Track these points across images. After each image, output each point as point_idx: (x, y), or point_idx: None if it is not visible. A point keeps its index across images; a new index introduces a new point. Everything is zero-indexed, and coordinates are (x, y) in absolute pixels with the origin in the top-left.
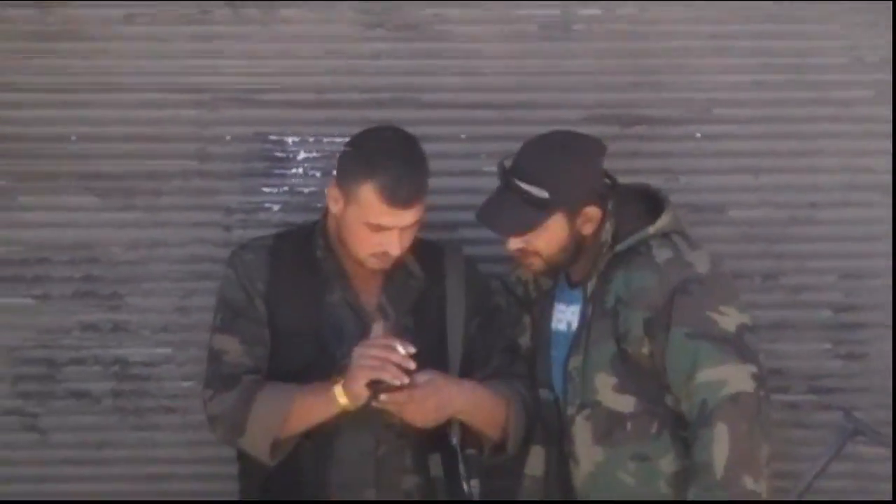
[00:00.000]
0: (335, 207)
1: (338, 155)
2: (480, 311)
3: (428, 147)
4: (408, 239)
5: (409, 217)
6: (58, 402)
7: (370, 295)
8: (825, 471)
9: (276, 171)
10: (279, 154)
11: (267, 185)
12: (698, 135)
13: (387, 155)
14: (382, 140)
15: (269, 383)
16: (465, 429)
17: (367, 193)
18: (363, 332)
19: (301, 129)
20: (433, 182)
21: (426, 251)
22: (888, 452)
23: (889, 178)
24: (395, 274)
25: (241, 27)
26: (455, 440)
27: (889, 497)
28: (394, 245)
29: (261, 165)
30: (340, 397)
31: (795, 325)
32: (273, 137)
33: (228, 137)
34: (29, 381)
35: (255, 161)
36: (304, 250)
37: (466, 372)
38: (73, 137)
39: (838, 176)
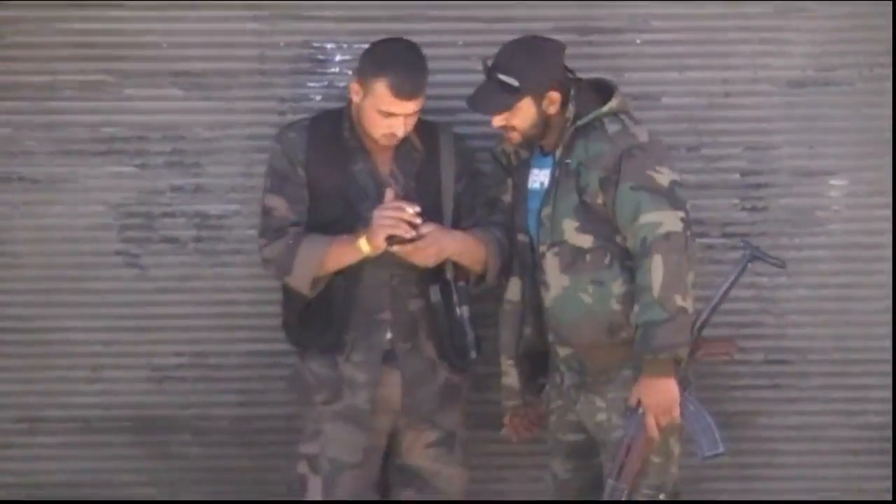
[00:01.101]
0: (356, 98)
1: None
2: (466, 174)
3: (434, 51)
4: (411, 123)
5: (412, 106)
6: (154, 246)
7: (384, 164)
8: (729, 292)
9: (318, 70)
10: (320, 57)
11: (311, 81)
12: (638, 41)
13: (395, 58)
14: (393, 47)
15: (310, 234)
16: (456, 266)
17: (381, 88)
18: (380, 194)
19: (337, 38)
20: (440, 78)
21: (425, 129)
22: (781, 271)
23: (781, 73)
24: (402, 148)
25: None
26: (449, 275)
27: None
28: (399, 128)
29: (306, 66)
30: (364, 247)
31: (712, 185)
32: (316, 44)
33: (282, 44)
34: (132, 230)
35: (302, 62)
36: (334, 130)
37: (456, 221)
38: (164, 44)
39: (744, 72)
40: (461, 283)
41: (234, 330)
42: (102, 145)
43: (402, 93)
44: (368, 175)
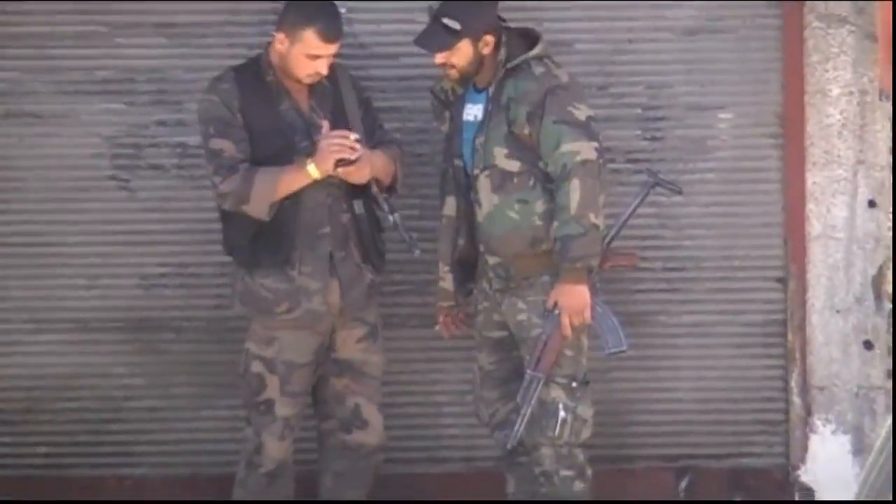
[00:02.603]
0: (281, 47)
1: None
2: (363, 102)
3: (386, 5)
4: (331, 62)
5: (335, 48)
6: (141, 172)
7: (304, 102)
8: (635, 212)
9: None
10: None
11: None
12: None
13: (319, 10)
14: (312, 2)
15: (260, 167)
16: (377, 180)
17: (310, 35)
18: (306, 126)
19: None
20: (391, 28)
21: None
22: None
23: (677, 22)
24: (315, 86)
25: None
26: (374, 189)
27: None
28: (324, 67)
29: (271, 17)
30: (314, 172)
31: (618, 118)
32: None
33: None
34: (122, 158)
35: (267, 15)
36: (257, 78)
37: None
38: None
39: (646, 22)
40: (385, 195)
41: (210, 244)
42: (97, 86)
43: (329, 37)
44: (294, 112)
